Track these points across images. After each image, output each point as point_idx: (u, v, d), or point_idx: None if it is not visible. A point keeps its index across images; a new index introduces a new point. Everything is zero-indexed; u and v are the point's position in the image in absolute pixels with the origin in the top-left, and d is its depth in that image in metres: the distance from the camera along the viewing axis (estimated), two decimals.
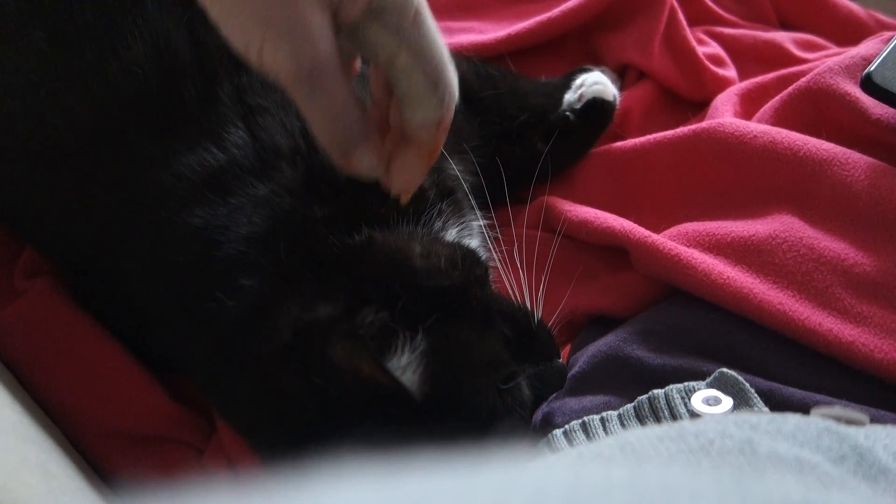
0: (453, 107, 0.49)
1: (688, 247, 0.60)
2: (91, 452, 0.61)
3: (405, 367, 0.46)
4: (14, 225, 0.70)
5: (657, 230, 0.64)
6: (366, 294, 0.48)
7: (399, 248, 0.52)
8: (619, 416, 0.52)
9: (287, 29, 0.41)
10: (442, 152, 0.61)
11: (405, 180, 0.49)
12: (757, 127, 0.65)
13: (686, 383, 0.51)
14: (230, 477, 0.57)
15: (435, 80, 0.46)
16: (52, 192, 0.62)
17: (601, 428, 0.51)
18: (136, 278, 0.57)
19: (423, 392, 0.46)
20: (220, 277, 0.51)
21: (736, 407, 0.48)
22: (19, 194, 0.65)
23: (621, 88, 0.82)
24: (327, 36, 0.43)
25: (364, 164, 0.47)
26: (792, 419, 0.35)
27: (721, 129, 0.66)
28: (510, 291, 0.58)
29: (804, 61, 0.82)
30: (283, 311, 0.48)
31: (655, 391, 0.51)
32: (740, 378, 0.50)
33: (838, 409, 0.39)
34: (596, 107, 0.74)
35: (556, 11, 0.84)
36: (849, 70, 0.68)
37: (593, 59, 0.85)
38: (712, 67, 0.81)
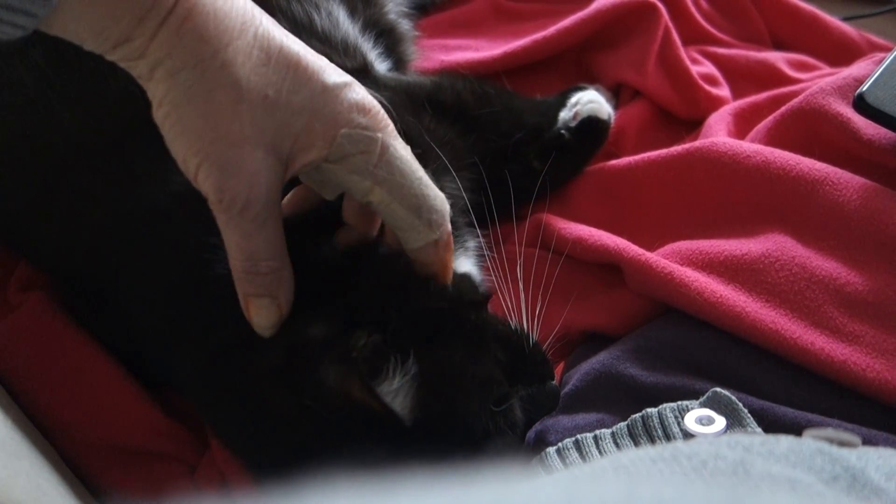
0: (446, 224, 0.49)
1: (681, 265, 0.60)
2: (83, 468, 0.60)
3: (396, 391, 0.46)
4: (9, 238, 0.70)
5: (651, 248, 0.64)
6: (359, 315, 0.48)
7: (393, 270, 0.52)
8: (613, 435, 0.52)
9: (219, 163, 0.42)
10: (439, 169, 0.61)
11: None
12: (750, 146, 0.66)
13: (679, 402, 0.51)
14: (223, 494, 0.57)
15: (416, 207, 0.47)
16: (48, 206, 0.61)
17: (595, 446, 0.51)
18: (130, 295, 0.57)
19: (413, 417, 0.46)
20: (212, 297, 0.51)
21: (729, 426, 0.48)
22: (15, 208, 0.65)
23: (616, 107, 0.82)
24: (262, 178, 0.43)
25: (258, 318, 0.47)
26: (784, 441, 0.35)
27: (715, 148, 0.67)
28: (506, 310, 0.59)
29: (797, 81, 0.83)
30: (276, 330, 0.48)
31: (649, 410, 0.51)
32: (733, 398, 0.50)
33: (830, 431, 0.39)
34: (591, 125, 0.75)
35: (551, 30, 0.85)
36: (841, 90, 0.68)
37: (588, 78, 0.86)
38: (706, 87, 0.81)
